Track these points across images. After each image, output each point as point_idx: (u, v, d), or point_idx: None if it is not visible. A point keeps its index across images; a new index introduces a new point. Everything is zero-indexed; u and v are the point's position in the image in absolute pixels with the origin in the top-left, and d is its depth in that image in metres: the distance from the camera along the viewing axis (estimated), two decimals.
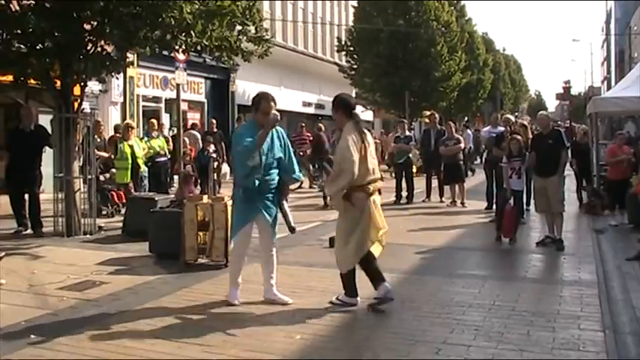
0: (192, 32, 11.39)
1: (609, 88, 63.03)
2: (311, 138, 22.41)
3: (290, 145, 7.62)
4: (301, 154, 22.81)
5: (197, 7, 11.13)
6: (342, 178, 6.94)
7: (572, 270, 9.30)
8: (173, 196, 12.15)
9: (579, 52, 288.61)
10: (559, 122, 52.52)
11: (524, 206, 13.38)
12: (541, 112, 12.99)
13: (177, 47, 12.65)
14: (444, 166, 17.24)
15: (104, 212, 14.43)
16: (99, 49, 11.74)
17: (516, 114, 76.69)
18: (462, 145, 17.82)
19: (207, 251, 9.11)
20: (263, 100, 7.26)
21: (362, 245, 7.10)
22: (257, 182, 7.16)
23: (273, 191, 7.39)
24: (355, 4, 40.57)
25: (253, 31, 13.09)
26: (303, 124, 24.51)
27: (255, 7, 13.06)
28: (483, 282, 8.40)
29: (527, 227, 12.93)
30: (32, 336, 6.03)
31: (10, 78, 11.86)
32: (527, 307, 7.17)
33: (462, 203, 16.50)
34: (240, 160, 7.23)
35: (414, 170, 18.73)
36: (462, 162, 17.45)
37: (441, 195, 17.31)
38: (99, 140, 12.64)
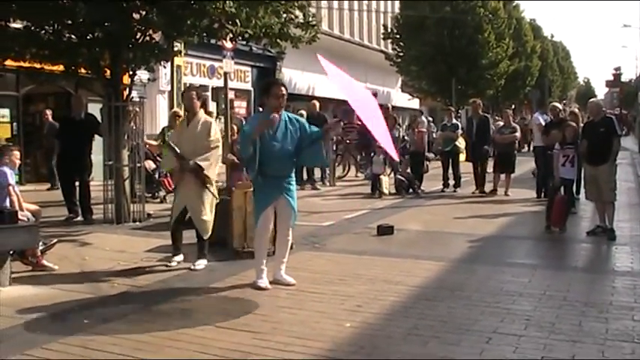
0: (237, 21, 11.42)
1: None
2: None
3: (308, 128, 7.55)
4: (347, 142, 22.73)
5: None
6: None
7: (624, 260, 9.13)
8: (221, 183, 12.20)
9: (630, 37, 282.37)
10: (607, 110, 51.68)
11: (575, 195, 13.16)
12: (592, 99, 12.76)
13: (223, 36, 12.69)
14: (497, 154, 17.01)
15: (156, 199, 14.68)
16: (147, 38, 11.85)
17: (564, 101, 75.60)
18: (518, 135, 17.53)
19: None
20: (273, 85, 7.53)
21: None
22: (267, 172, 7.24)
23: (291, 174, 7.56)
24: None
25: (301, 17, 13.09)
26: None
27: None
28: (533, 271, 8.29)
29: (578, 216, 12.73)
30: (85, 320, 6.13)
31: (61, 67, 12.04)
32: (578, 297, 7.05)
33: (506, 193, 16.28)
34: (242, 146, 7.39)
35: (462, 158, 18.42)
36: (516, 152, 17.19)
37: (481, 185, 16.97)
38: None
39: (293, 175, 7.62)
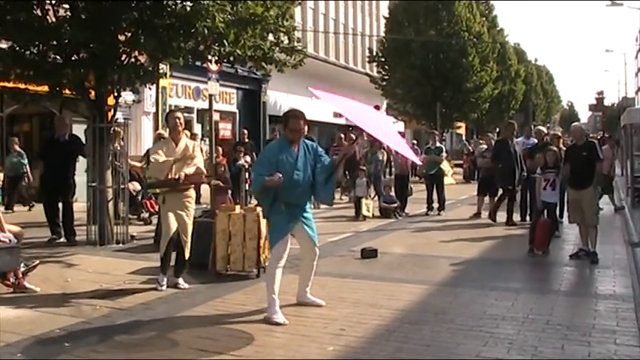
0: (225, 42, 11.42)
1: None
2: None
3: (322, 156, 7.53)
4: None
5: (229, 15, 11.15)
6: None
7: (607, 283, 9.16)
8: (205, 206, 12.18)
9: (613, 62, 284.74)
10: (591, 134, 52.04)
11: (558, 218, 13.21)
12: (575, 123, 12.86)
13: (210, 58, 12.71)
14: (480, 177, 17.03)
15: (140, 221, 14.59)
16: (133, 59, 11.85)
17: (548, 125, 76.09)
18: None
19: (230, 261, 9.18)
20: (291, 118, 7.34)
21: None
22: (288, 201, 7.20)
23: (308, 202, 7.60)
24: (386, 14, 40.59)
25: (286, 41, 13.13)
26: (343, 135, 24.20)
27: (288, 14, 13.05)
28: (517, 295, 8.31)
29: (561, 240, 12.77)
30: (67, 344, 6.08)
31: (45, 88, 12.01)
32: (561, 320, 7.07)
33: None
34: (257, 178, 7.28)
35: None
36: None
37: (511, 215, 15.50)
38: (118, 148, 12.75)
39: (309, 202, 7.64)
